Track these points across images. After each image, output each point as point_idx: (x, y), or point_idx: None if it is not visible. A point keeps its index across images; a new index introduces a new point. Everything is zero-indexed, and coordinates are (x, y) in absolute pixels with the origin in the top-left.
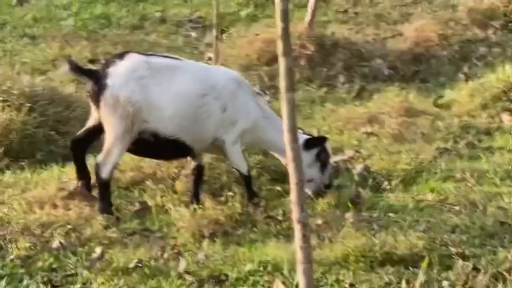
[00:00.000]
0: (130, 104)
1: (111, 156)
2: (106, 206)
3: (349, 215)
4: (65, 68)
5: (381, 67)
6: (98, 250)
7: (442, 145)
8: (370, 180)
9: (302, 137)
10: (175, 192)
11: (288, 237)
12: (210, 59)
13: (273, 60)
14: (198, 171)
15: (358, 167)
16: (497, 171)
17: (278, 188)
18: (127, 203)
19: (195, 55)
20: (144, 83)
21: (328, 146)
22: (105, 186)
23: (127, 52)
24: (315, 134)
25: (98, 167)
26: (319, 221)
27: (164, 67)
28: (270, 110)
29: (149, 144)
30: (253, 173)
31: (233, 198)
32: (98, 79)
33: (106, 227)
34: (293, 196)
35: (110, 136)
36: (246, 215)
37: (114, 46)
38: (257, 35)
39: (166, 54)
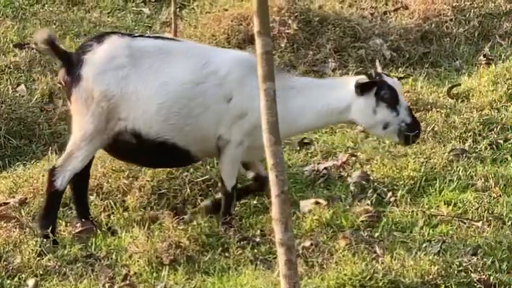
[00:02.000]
0: (105, 99)
1: (72, 161)
2: (48, 223)
3: (344, 235)
4: (41, 36)
5: (380, 48)
6: (31, 283)
7: (458, 146)
8: (370, 191)
9: (351, 81)
10: (125, 209)
11: (269, 263)
12: None
13: (246, 41)
14: (260, 183)
15: (355, 175)
16: None
17: (254, 202)
18: (66, 224)
19: None
20: (124, 73)
21: (389, 79)
22: (55, 197)
23: (107, 34)
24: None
25: (52, 173)
26: (308, 243)
27: (151, 52)
28: (304, 81)
29: (131, 147)
30: None
31: (199, 216)
32: (70, 67)
33: (40, 254)
34: (275, 212)
35: (75, 135)
36: (216, 237)
37: (47, 26)
38: (226, 10)
39: (159, 34)
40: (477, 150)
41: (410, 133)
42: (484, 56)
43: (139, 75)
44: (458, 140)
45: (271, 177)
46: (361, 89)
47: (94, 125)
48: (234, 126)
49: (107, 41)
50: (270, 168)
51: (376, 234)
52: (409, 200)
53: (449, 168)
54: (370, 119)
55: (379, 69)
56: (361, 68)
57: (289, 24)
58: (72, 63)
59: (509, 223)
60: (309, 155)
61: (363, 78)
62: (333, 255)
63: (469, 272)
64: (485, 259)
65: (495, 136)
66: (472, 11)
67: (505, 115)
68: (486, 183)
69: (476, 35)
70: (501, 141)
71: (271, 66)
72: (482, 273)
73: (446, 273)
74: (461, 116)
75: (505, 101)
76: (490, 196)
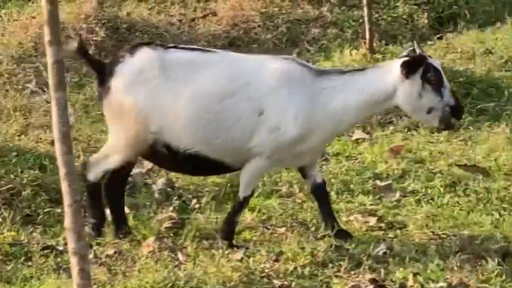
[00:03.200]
0: (135, 111)
1: (107, 162)
2: (96, 214)
3: (147, 243)
4: (71, 45)
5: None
6: None
7: None
8: (175, 198)
9: (396, 64)
10: None
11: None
12: None
13: None
14: (320, 190)
15: (159, 182)
16: (332, 182)
17: (58, 210)
18: None
19: None
20: (154, 85)
21: (433, 60)
22: (93, 189)
23: (140, 45)
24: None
25: (86, 167)
26: (111, 251)
27: (182, 64)
28: (344, 77)
29: (167, 158)
30: (28, 191)
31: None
32: (103, 77)
33: None
34: (67, 222)
35: (111, 142)
36: (19, 246)
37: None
38: (33, 17)
39: (197, 47)
40: None
41: (453, 117)
42: None
43: (168, 88)
44: None
45: (64, 186)
46: (408, 71)
47: (127, 136)
48: (265, 140)
49: (139, 52)
50: (62, 177)
51: (180, 241)
52: (213, 206)
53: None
54: (416, 103)
55: (419, 50)
56: None
57: (96, 32)
58: (104, 74)
59: (313, 228)
60: None
61: (407, 58)
62: (136, 263)
63: (271, 278)
64: (287, 265)
65: None
66: (281, 17)
67: None
68: (290, 189)
69: (284, 40)
70: None
71: (62, 75)
72: (284, 279)
73: (249, 280)
74: None
75: None
76: (295, 202)
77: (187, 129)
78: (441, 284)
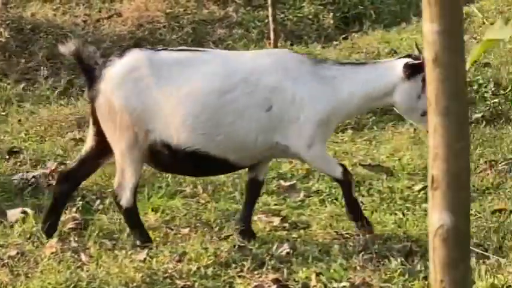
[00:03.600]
0: (127, 112)
1: (127, 177)
2: (141, 233)
3: (50, 244)
4: (68, 47)
5: (94, 56)
6: None
7: None
8: (79, 199)
9: (399, 63)
10: None
11: None
12: None
13: None
14: (254, 187)
15: None
16: (236, 183)
17: None
18: None
19: None
20: (144, 84)
21: None
22: (130, 213)
23: (129, 49)
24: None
25: (115, 195)
26: (13, 252)
27: (172, 62)
28: (346, 68)
29: (167, 158)
30: None
31: None
32: (92, 82)
33: None
34: None
35: (116, 153)
36: None
37: None
38: None
39: (186, 47)
40: None
41: None
42: None
43: (160, 87)
44: None
45: None
46: (410, 72)
47: (125, 139)
48: (290, 133)
49: (128, 54)
50: None
51: (83, 242)
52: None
53: (158, 175)
54: (413, 103)
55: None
56: (73, 76)
57: (0, 33)
58: (94, 78)
59: (217, 229)
60: (18, 163)
61: (412, 61)
62: (39, 264)
63: (174, 278)
64: (190, 265)
65: None
66: (186, 17)
67: None
68: (195, 190)
69: (190, 41)
70: None
71: None
72: (187, 280)
73: (151, 280)
74: None
75: None
76: (198, 202)
77: (185, 127)
78: (344, 283)
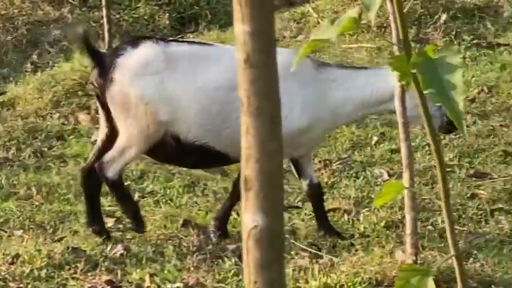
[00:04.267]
0: (142, 103)
1: (124, 157)
2: (130, 206)
3: None
4: (76, 32)
5: None
6: None
7: (2, 154)
8: None
9: None
10: None
11: None
12: None
13: None
14: (315, 192)
15: None
16: (71, 184)
17: None
18: None
19: None
20: (160, 78)
21: None
22: (117, 185)
23: (141, 38)
24: None
25: (101, 166)
26: None
27: (187, 56)
28: (345, 72)
29: (172, 148)
30: None
31: None
32: (103, 69)
33: None
34: None
35: (123, 136)
36: None
37: None
38: None
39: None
40: (21, 159)
41: (450, 127)
42: (32, 63)
43: (175, 80)
44: (2, 148)
45: None
46: None
47: (137, 128)
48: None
49: (142, 45)
50: None
51: None
52: None
53: None
54: (414, 110)
55: None
56: None
57: None
58: (104, 65)
59: (51, 231)
60: None
61: None
62: None
63: (8, 281)
64: (24, 268)
65: (39, 144)
66: (21, 19)
67: (50, 123)
68: (28, 191)
69: (24, 42)
70: (45, 149)
71: None
72: (20, 282)
73: None
74: (6, 125)
75: (50, 108)
76: (32, 204)
77: (197, 121)
78: (178, 284)
